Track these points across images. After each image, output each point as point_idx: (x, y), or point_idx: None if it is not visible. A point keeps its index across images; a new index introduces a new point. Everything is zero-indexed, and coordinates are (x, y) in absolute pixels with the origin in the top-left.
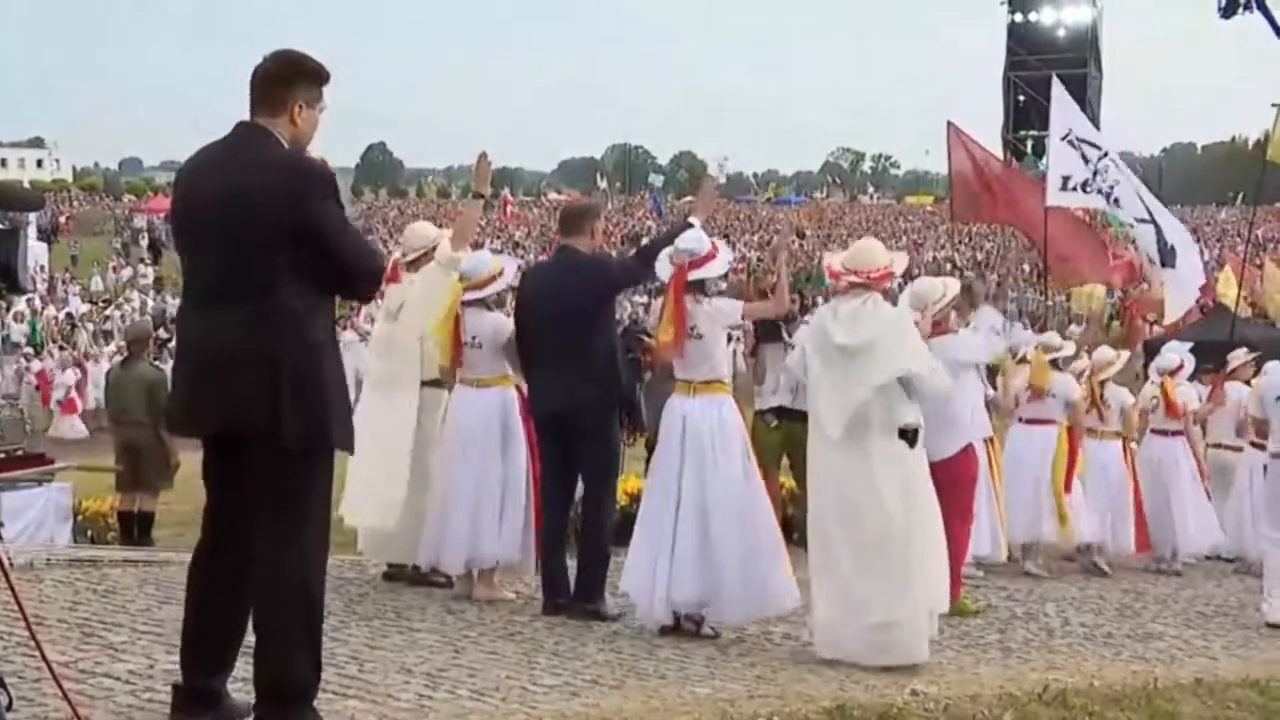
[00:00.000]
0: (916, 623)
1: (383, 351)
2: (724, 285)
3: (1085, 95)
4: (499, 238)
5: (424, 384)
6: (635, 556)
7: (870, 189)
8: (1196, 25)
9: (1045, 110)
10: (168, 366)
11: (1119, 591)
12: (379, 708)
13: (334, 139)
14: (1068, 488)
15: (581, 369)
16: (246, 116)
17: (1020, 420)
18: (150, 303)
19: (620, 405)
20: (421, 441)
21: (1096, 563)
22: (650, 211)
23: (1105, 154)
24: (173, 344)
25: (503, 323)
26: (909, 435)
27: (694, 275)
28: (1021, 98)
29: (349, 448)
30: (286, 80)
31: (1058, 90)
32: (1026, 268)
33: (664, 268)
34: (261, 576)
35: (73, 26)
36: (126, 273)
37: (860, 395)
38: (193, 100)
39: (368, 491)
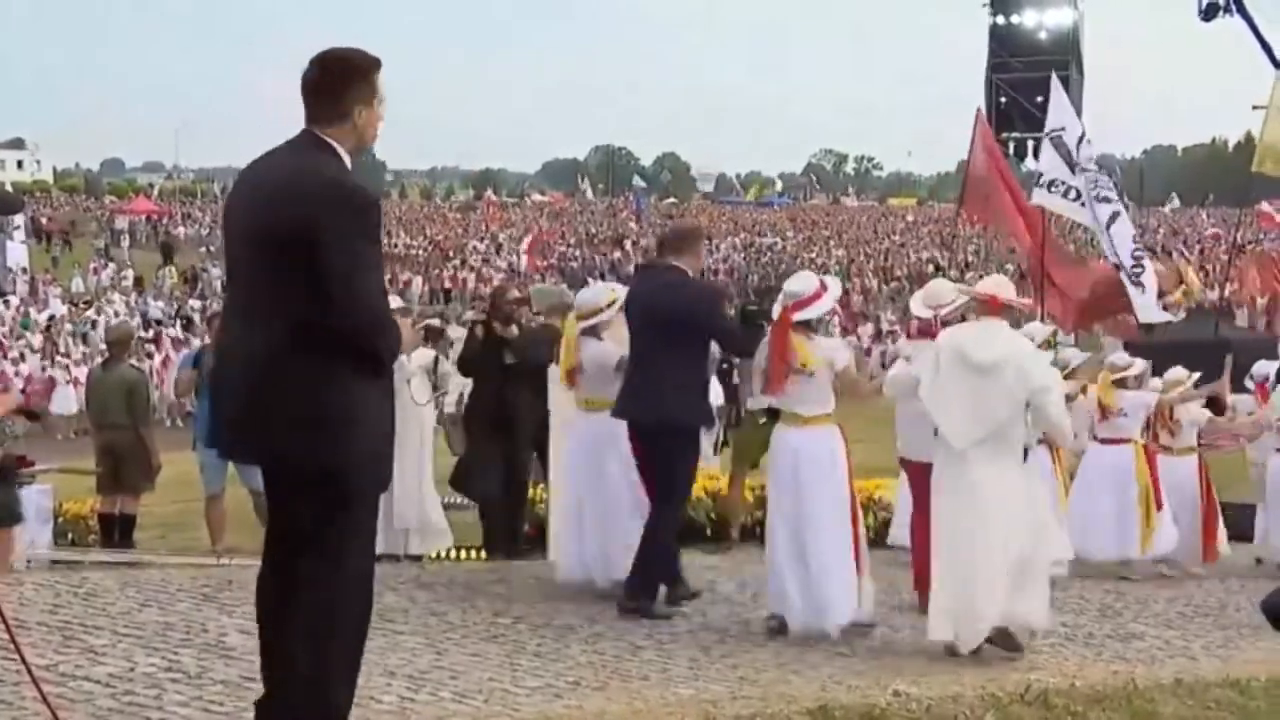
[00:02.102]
0: (1030, 616)
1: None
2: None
3: (1068, 97)
4: (482, 238)
5: None
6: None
7: (851, 191)
8: (1177, 28)
9: (1027, 112)
10: (148, 366)
11: (1100, 592)
12: (361, 710)
13: None
14: (1159, 505)
15: (669, 383)
16: (238, 117)
17: (1095, 439)
18: (132, 304)
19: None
20: None
21: (1161, 571)
22: (633, 213)
23: (1080, 166)
24: (151, 345)
25: (606, 351)
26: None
27: (799, 316)
28: (1003, 99)
29: (368, 483)
30: (340, 87)
31: (1055, 87)
32: (1010, 268)
33: (774, 307)
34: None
35: (67, 26)
36: (107, 274)
37: (1001, 413)
38: (191, 101)
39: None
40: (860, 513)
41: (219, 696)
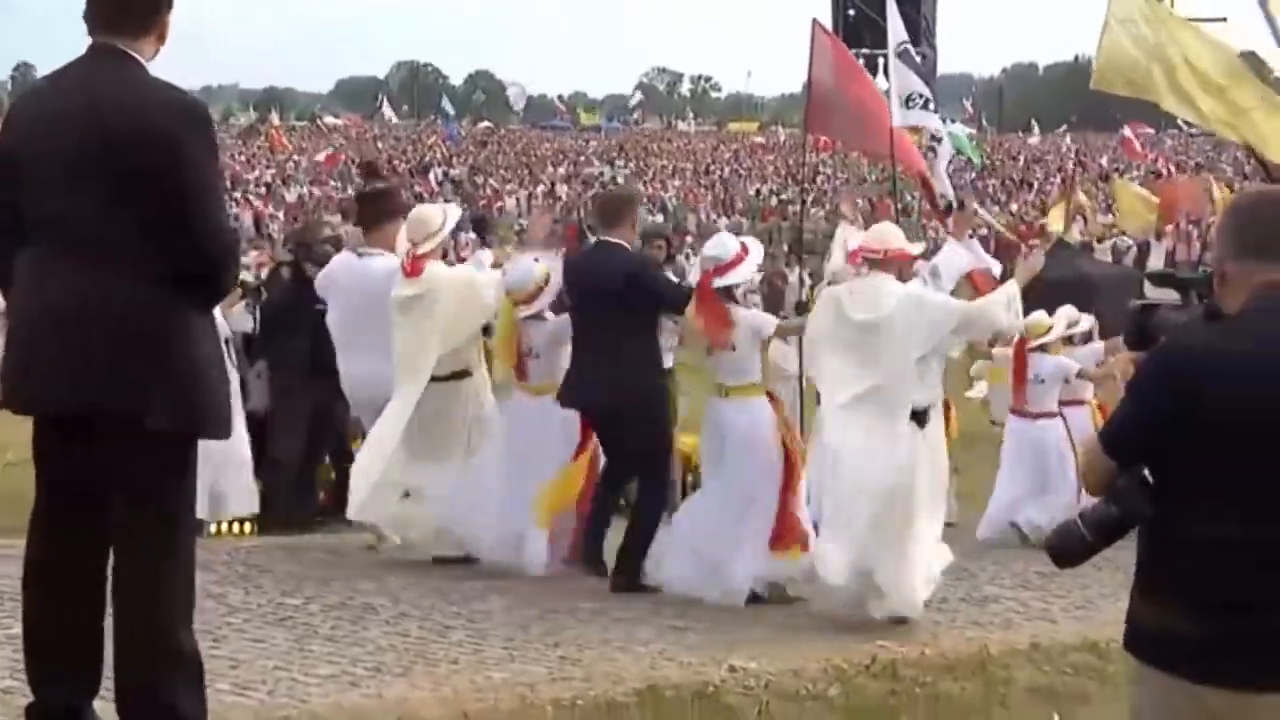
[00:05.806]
0: (915, 586)
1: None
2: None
3: (920, 9)
4: (270, 167)
5: (445, 378)
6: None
7: (690, 114)
8: None
9: (876, 25)
10: None
11: (955, 554)
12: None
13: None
14: None
15: (622, 363)
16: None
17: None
18: None
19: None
20: (440, 433)
21: None
22: (444, 138)
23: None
24: None
25: (561, 329)
26: (919, 415)
27: (719, 282)
28: (851, 12)
29: (225, 434)
30: None
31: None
32: (861, 201)
33: (693, 273)
34: (129, 602)
35: None
36: None
37: (874, 377)
38: None
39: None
40: (796, 483)
41: None
